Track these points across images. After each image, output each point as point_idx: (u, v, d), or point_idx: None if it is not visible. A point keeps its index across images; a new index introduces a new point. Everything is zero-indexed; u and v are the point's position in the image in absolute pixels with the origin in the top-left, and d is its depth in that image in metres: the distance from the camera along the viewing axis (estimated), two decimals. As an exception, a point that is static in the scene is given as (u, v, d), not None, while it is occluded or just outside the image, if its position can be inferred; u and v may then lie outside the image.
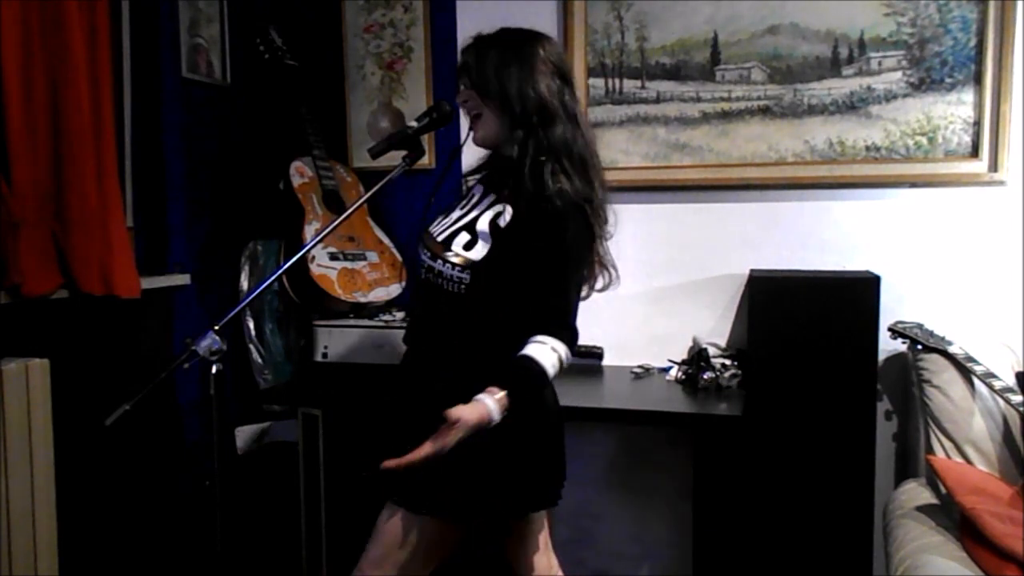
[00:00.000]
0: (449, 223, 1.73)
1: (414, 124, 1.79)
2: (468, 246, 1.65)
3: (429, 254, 1.69)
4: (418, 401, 1.70)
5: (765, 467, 2.31)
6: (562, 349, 1.58)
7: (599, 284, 1.76)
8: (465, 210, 1.74)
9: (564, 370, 1.59)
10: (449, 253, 1.65)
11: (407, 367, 1.79)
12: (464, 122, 1.80)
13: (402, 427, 1.72)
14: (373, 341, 2.55)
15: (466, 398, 1.63)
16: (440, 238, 1.70)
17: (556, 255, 1.61)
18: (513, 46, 1.68)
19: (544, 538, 1.90)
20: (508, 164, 1.68)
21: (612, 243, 1.75)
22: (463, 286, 1.63)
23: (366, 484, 1.82)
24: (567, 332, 1.60)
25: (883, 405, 2.51)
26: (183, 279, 2.64)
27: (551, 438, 1.74)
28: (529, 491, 1.70)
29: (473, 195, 1.77)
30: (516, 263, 1.62)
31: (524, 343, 1.57)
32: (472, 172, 1.86)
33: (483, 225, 1.66)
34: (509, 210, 1.65)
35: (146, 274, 2.46)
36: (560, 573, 1.93)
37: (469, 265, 1.62)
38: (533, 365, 1.55)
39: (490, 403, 1.51)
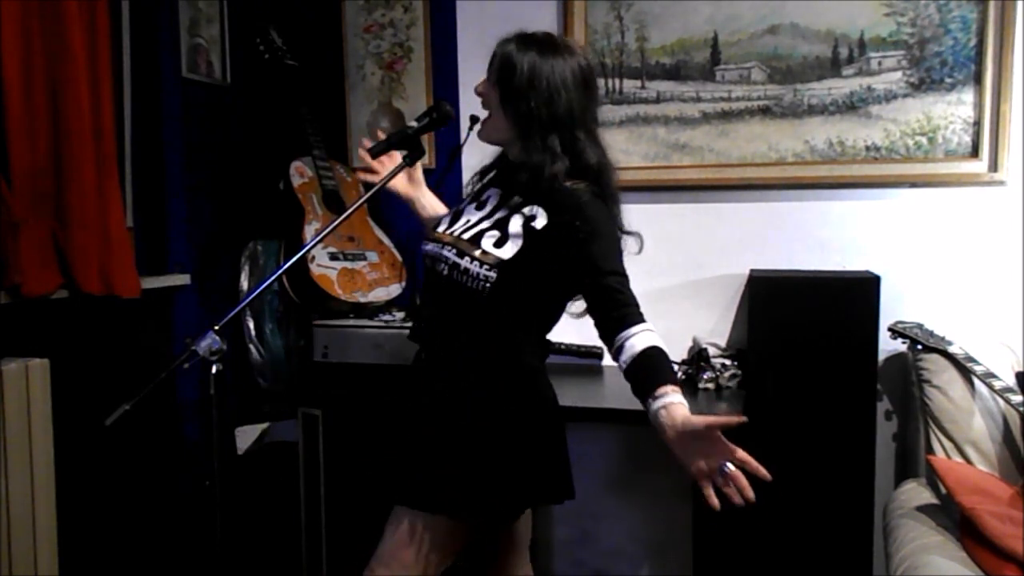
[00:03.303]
0: (471, 222, 1.70)
1: (414, 124, 1.78)
2: (498, 244, 1.63)
3: (455, 251, 1.65)
4: (426, 401, 1.70)
5: (765, 467, 2.30)
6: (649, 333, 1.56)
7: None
8: (486, 211, 1.71)
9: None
10: (477, 251, 1.62)
11: (421, 368, 1.77)
12: (464, 122, 1.80)
13: (411, 427, 1.72)
14: (373, 341, 2.55)
15: (469, 398, 1.64)
16: (466, 236, 1.67)
17: (604, 246, 1.61)
18: (549, 58, 1.63)
19: (525, 548, 1.90)
20: (522, 169, 1.66)
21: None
22: (487, 285, 1.59)
23: (370, 483, 1.82)
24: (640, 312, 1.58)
25: (883, 405, 2.51)
26: (183, 279, 2.64)
27: (554, 434, 1.73)
28: (535, 487, 1.69)
29: (489, 197, 1.74)
30: (556, 266, 1.62)
31: (627, 336, 1.54)
32: (482, 171, 1.83)
33: (515, 226, 1.63)
34: (543, 214, 1.63)
35: (146, 274, 2.46)
36: None
37: (497, 264, 1.60)
38: (663, 353, 1.53)
39: (680, 398, 1.50)
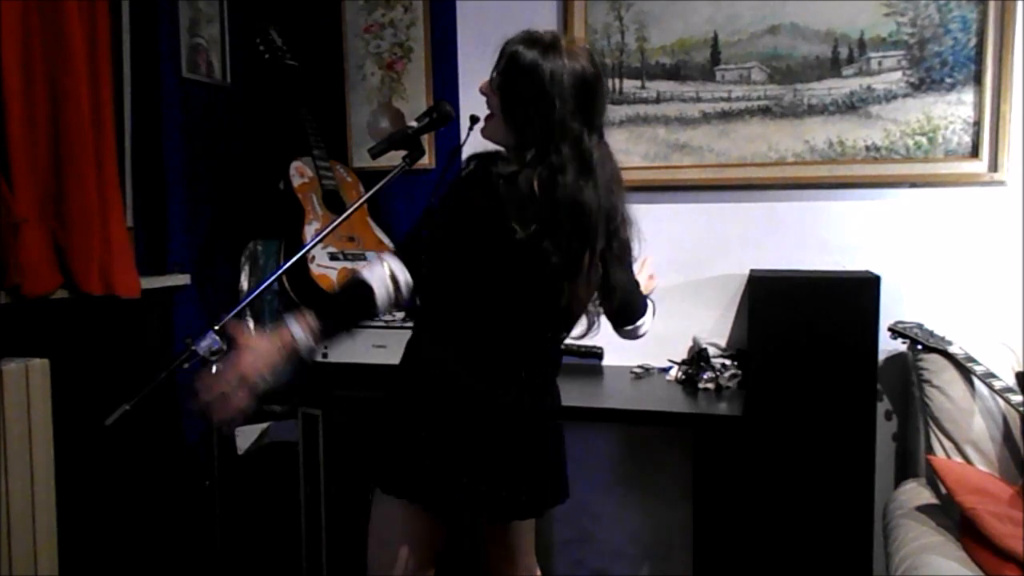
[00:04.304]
0: None
1: (414, 124, 1.78)
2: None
3: None
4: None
5: (765, 467, 2.30)
6: (396, 265, 1.55)
7: (576, 331, 1.73)
8: None
9: (399, 290, 1.55)
10: None
11: None
12: (464, 123, 1.80)
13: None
14: (373, 341, 2.55)
15: (400, 381, 1.67)
16: None
17: (427, 218, 1.61)
18: (552, 63, 1.56)
19: (527, 547, 1.89)
20: None
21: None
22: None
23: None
24: (408, 260, 1.56)
25: (883, 405, 2.51)
26: (183, 279, 2.64)
27: (474, 437, 1.64)
28: (504, 497, 1.64)
29: None
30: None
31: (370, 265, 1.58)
32: None
33: None
34: None
35: (146, 274, 2.46)
36: None
37: None
38: (354, 279, 1.56)
39: (293, 325, 1.50)
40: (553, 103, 1.55)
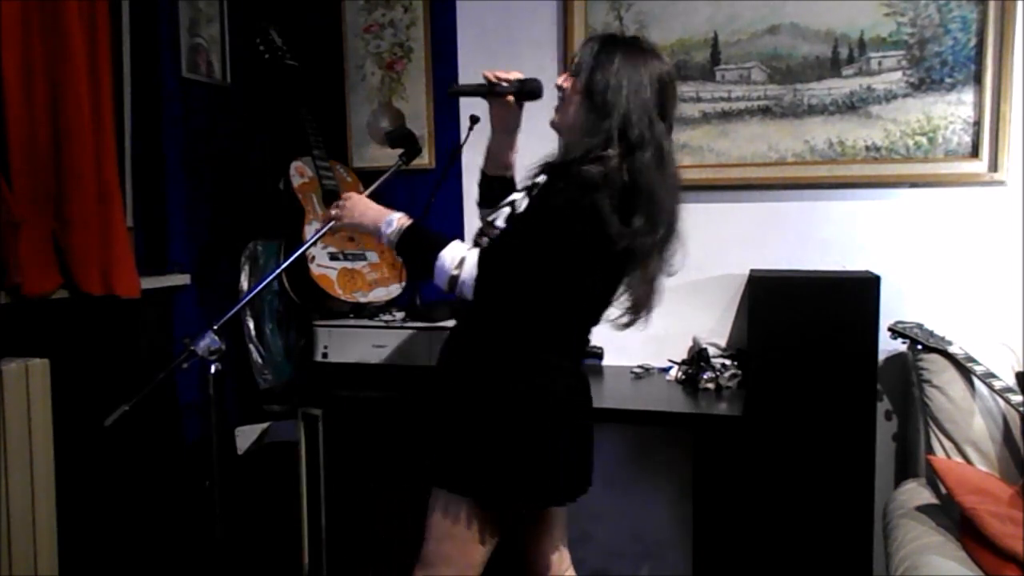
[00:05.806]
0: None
1: (504, 85, 1.75)
2: (507, 220, 1.67)
3: (478, 231, 1.71)
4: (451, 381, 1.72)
5: (765, 467, 2.30)
6: (471, 258, 1.58)
7: (624, 319, 1.73)
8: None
9: (457, 276, 1.59)
10: (492, 228, 1.67)
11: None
12: (464, 122, 1.79)
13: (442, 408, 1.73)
14: (373, 341, 2.55)
15: (473, 383, 1.65)
16: (489, 217, 1.72)
17: (536, 213, 1.60)
18: (634, 62, 1.63)
19: (560, 536, 1.92)
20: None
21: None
22: None
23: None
24: (487, 267, 1.58)
25: (883, 405, 2.51)
26: (183, 279, 2.64)
27: (551, 431, 1.67)
28: (551, 482, 1.68)
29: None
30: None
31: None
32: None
33: (522, 198, 1.67)
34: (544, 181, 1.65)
35: (146, 274, 2.46)
36: (572, 572, 1.94)
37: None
38: (439, 239, 1.62)
39: (394, 217, 1.67)
40: (642, 101, 1.60)
